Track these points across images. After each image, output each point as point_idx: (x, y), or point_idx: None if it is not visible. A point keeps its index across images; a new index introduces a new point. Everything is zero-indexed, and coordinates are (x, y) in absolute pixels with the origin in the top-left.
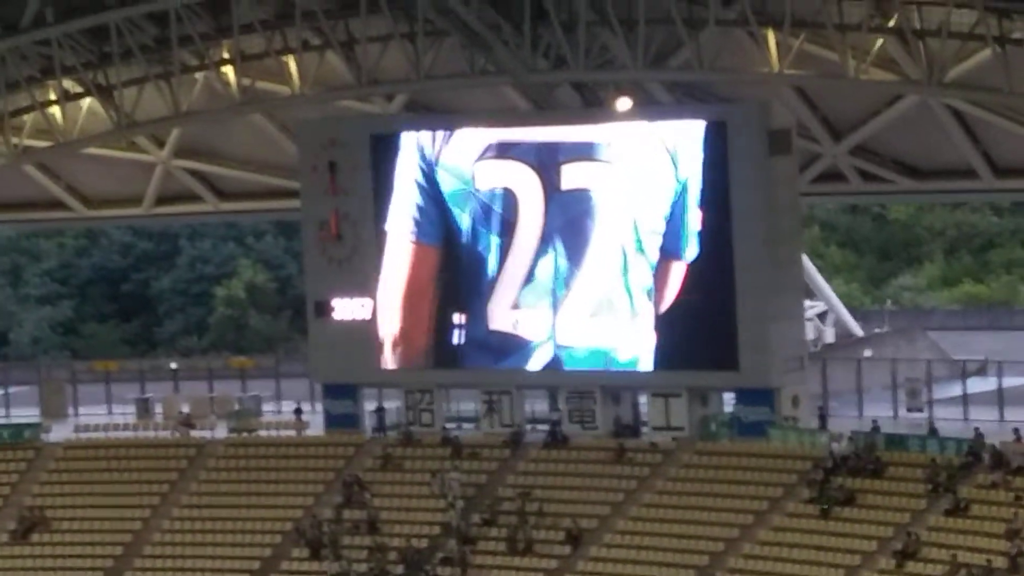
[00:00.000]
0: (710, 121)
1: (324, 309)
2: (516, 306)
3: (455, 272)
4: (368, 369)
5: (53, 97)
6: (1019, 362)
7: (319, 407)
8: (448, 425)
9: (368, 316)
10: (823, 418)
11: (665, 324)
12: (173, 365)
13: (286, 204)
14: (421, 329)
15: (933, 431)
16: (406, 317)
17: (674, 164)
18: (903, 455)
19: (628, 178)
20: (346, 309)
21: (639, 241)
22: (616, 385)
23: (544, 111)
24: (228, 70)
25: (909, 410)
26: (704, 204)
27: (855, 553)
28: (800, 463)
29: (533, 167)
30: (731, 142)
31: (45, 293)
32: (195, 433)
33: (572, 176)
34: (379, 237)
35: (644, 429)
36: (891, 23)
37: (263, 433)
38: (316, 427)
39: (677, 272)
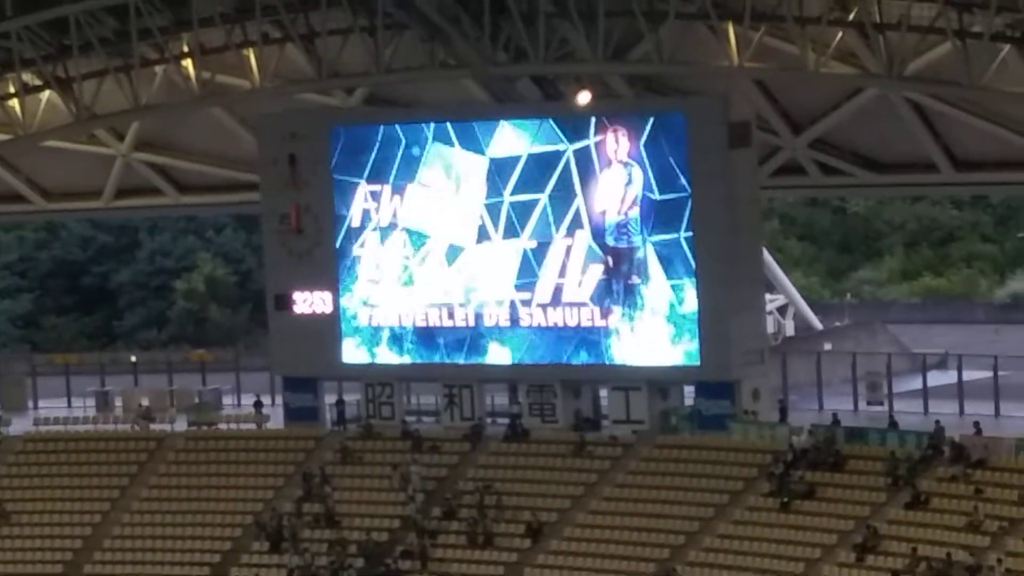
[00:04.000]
0: (670, 114)
1: (284, 302)
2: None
3: None
4: (328, 362)
5: (12, 90)
6: (979, 355)
7: (279, 400)
8: (408, 418)
9: (329, 309)
10: (783, 411)
11: None
12: (133, 358)
13: (246, 197)
14: None
15: (893, 424)
16: None
17: (634, 157)
18: (863, 448)
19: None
20: (307, 302)
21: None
22: (576, 379)
23: (504, 104)
24: (188, 63)
25: (869, 403)
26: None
27: (815, 546)
28: (760, 456)
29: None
30: (691, 135)
31: (4, 286)
32: (155, 426)
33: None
34: None
35: (604, 422)
36: (851, 16)
37: (223, 426)
38: (276, 420)
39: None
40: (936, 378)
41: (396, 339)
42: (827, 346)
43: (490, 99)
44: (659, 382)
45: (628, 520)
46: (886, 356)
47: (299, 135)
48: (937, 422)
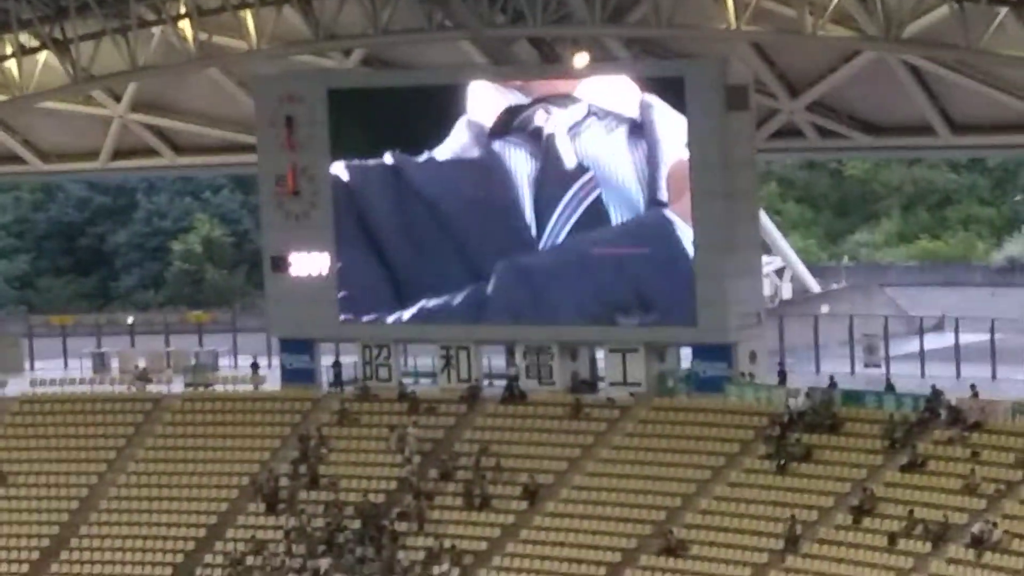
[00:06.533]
0: (667, 77)
1: (281, 264)
2: None
3: None
4: (325, 324)
5: (9, 51)
6: (975, 318)
7: (276, 362)
8: (405, 380)
9: (325, 271)
10: (783, 375)
11: None
12: (129, 319)
13: (243, 159)
14: None
15: (890, 387)
16: None
17: (634, 120)
18: (860, 411)
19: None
20: (303, 264)
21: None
22: (573, 341)
23: (501, 66)
24: (185, 24)
25: (866, 366)
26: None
27: (812, 508)
28: (757, 419)
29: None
30: (688, 98)
31: (1, 247)
32: (151, 387)
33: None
34: None
35: (601, 385)
36: None
37: (219, 388)
38: (273, 382)
39: None
40: (933, 341)
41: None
42: (824, 309)
43: (487, 61)
44: (656, 344)
45: (625, 482)
46: (883, 319)
47: (296, 97)
48: (934, 385)
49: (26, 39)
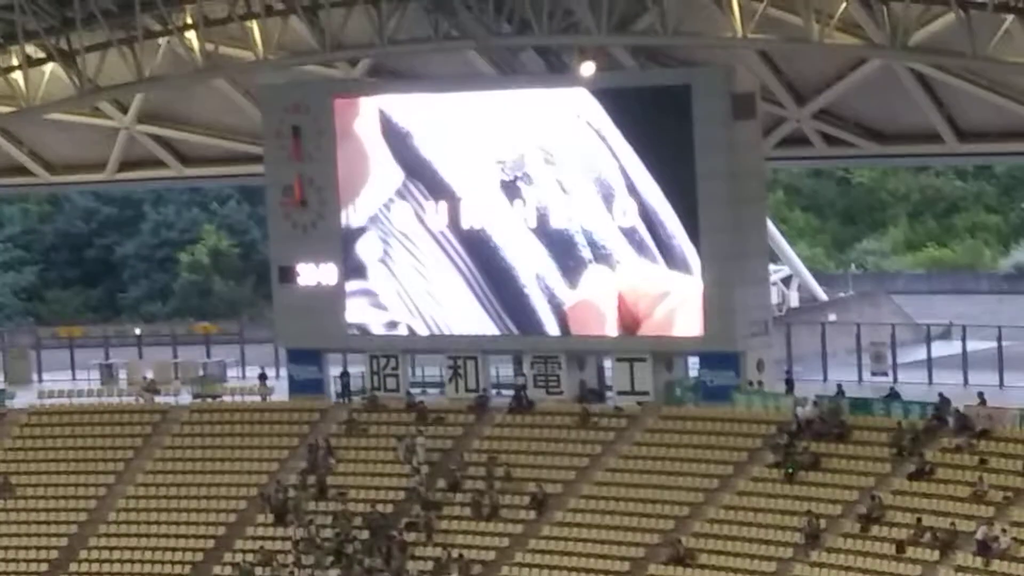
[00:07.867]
0: (674, 86)
1: (289, 275)
2: None
3: None
4: (333, 334)
5: (16, 62)
6: (983, 326)
7: (284, 372)
8: (413, 390)
9: (333, 281)
10: (790, 383)
11: None
12: (137, 331)
13: (250, 169)
14: None
15: (897, 395)
16: None
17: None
18: (868, 419)
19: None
20: (311, 274)
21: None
22: (581, 350)
23: (508, 76)
24: (191, 35)
25: (874, 374)
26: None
27: (820, 517)
28: (765, 427)
29: None
30: (695, 106)
31: (8, 259)
32: (159, 399)
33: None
34: None
35: (609, 394)
36: None
37: (227, 399)
38: (281, 393)
39: None
40: (940, 348)
41: None
42: (831, 317)
43: (494, 71)
44: (664, 353)
45: (633, 491)
46: (890, 327)
47: (302, 107)
48: (941, 393)
49: (32, 50)
